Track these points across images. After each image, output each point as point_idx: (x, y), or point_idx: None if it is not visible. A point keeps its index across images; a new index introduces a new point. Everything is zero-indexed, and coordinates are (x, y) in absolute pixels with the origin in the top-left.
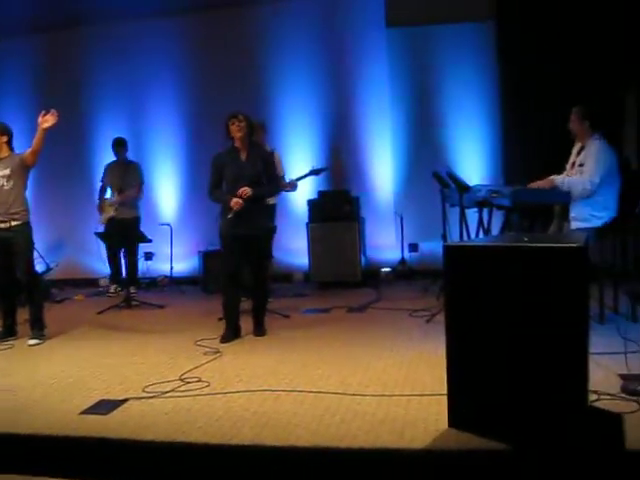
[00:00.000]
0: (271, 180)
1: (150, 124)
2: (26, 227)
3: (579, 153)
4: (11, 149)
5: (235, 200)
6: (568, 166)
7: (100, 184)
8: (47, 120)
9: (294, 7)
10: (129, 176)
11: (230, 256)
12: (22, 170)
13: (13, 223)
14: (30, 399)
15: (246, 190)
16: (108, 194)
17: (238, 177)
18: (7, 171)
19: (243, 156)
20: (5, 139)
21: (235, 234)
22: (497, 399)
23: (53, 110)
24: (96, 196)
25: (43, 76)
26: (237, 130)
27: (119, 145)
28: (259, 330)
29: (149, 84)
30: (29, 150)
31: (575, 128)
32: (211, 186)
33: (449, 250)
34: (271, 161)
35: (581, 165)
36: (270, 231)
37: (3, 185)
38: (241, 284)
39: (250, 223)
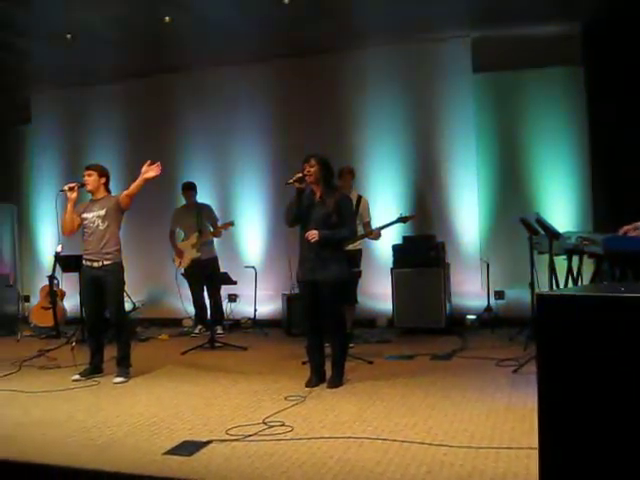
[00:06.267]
0: (343, 224)
1: (236, 168)
2: (118, 267)
3: None
4: (108, 191)
5: (312, 232)
6: None
7: (170, 229)
8: (152, 170)
9: (381, 53)
10: (205, 217)
11: (306, 301)
12: (117, 212)
13: (105, 262)
14: (115, 437)
15: (313, 234)
16: (180, 238)
17: (309, 217)
18: (102, 212)
19: (316, 198)
20: (103, 180)
21: (306, 280)
22: (594, 458)
23: (158, 162)
24: (169, 242)
25: (130, 120)
26: (307, 175)
27: (189, 189)
28: (331, 380)
29: (235, 129)
30: (124, 192)
31: None
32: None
33: (542, 299)
34: (345, 204)
35: None
36: (342, 277)
37: (98, 225)
38: (324, 329)
39: (319, 270)
